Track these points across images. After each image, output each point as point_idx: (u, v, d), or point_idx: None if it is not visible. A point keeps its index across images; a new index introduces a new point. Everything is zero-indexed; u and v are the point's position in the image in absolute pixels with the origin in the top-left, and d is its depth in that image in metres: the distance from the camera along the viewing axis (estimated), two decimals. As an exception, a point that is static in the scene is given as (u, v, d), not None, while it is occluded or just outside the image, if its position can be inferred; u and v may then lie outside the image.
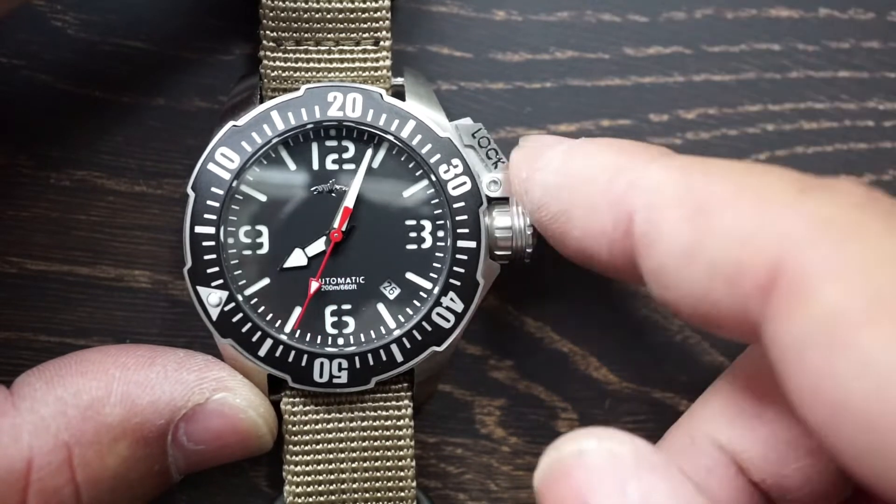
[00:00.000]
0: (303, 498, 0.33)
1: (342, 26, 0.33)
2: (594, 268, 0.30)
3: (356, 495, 0.33)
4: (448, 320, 0.32)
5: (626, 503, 0.24)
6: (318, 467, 0.33)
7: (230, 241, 0.32)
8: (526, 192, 0.31)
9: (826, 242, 0.23)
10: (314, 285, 0.32)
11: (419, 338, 0.32)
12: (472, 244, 0.32)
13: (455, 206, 0.32)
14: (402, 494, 0.33)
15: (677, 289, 0.26)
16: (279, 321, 0.32)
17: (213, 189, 0.32)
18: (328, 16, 0.33)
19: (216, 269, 0.32)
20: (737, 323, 0.26)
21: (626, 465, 0.25)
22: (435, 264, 0.33)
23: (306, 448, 0.33)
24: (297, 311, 0.32)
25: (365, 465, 0.33)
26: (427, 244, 0.33)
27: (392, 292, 0.33)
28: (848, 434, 0.22)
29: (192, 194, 0.32)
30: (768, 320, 0.24)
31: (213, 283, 0.32)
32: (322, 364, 0.32)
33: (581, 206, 0.29)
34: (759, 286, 0.24)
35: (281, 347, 0.32)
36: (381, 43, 0.33)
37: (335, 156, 0.33)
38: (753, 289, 0.24)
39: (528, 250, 0.33)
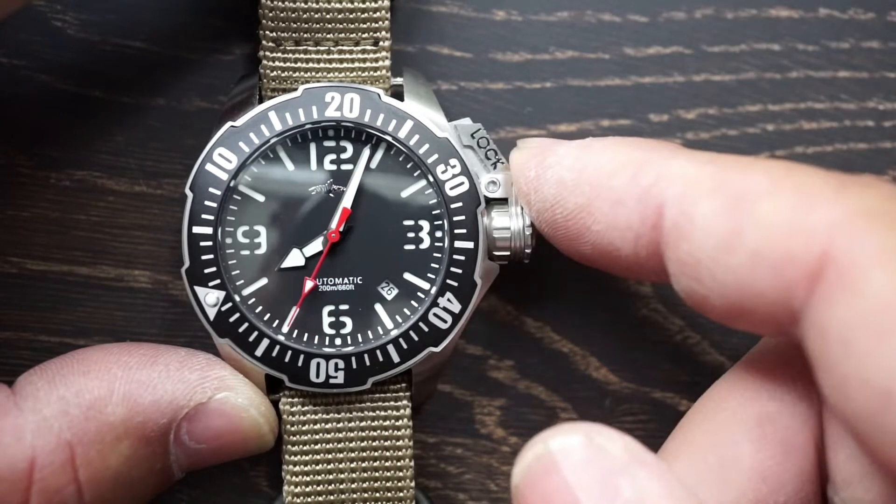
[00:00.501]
0: (302, 498, 0.33)
1: (341, 26, 0.33)
2: (608, 265, 0.30)
3: (355, 495, 0.33)
4: (445, 321, 0.32)
5: (618, 501, 0.23)
6: (317, 467, 0.33)
7: (228, 241, 0.32)
8: (536, 191, 0.31)
9: (874, 232, 0.23)
10: (309, 284, 0.32)
11: (416, 338, 0.32)
12: (470, 245, 0.32)
13: (452, 206, 0.32)
14: (401, 495, 0.33)
15: (712, 280, 0.26)
16: (276, 321, 0.32)
17: (211, 189, 0.32)
18: (327, 16, 0.33)
19: (214, 269, 0.32)
20: (773, 312, 0.25)
21: (618, 462, 0.24)
22: (433, 265, 0.33)
23: (305, 448, 0.33)
24: (295, 310, 0.32)
25: (363, 465, 0.33)
26: (425, 244, 0.33)
27: (390, 293, 0.33)
28: (893, 423, 0.22)
29: (190, 194, 0.32)
30: (813, 308, 0.24)
31: (211, 283, 0.32)
32: (318, 364, 0.32)
33: (604, 200, 0.29)
34: (806, 274, 0.24)
35: (278, 347, 0.32)
36: (381, 43, 0.33)
37: (333, 156, 0.33)
38: (800, 277, 0.24)
39: (527, 251, 0.33)
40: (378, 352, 0.32)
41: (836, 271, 0.24)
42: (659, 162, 0.28)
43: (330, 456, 0.33)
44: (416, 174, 0.33)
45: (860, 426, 0.23)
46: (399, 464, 0.33)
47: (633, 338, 0.37)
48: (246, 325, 0.32)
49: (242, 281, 0.32)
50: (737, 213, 0.26)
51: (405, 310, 0.33)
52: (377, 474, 0.33)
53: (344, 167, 0.33)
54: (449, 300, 0.32)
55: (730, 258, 0.26)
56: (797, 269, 0.24)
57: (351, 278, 0.33)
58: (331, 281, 0.33)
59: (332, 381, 0.32)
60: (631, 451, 0.24)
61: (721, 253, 0.26)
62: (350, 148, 0.33)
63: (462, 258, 0.32)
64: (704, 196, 0.27)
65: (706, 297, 0.27)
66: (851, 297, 0.23)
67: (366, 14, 0.33)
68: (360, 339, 0.33)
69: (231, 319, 0.32)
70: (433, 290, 0.32)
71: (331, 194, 0.33)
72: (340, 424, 0.33)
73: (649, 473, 0.24)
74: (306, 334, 0.33)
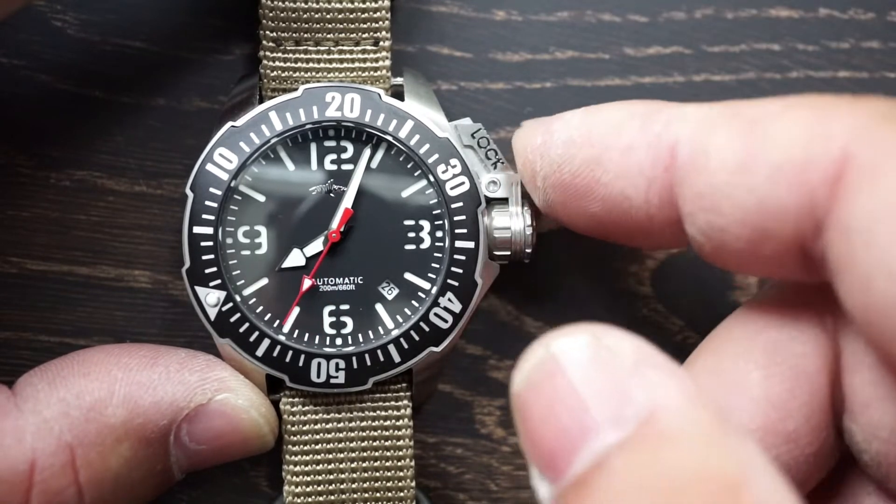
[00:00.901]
0: (302, 498, 0.33)
1: (342, 26, 0.33)
2: (618, 224, 0.29)
3: (355, 495, 0.33)
4: (446, 321, 0.32)
5: (631, 405, 0.21)
6: (318, 467, 0.33)
7: (228, 241, 0.32)
8: (542, 156, 0.30)
9: (892, 130, 0.23)
10: (307, 283, 0.32)
11: (417, 338, 0.32)
12: (471, 244, 0.32)
13: (453, 206, 0.32)
14: (402, 494, 0.33)
15: (732, 206, 0.26)
16: (277, 321, 0.32)
17: (212, 189, 0.32)
18: (328, 16, 0.33)
19: (214, 269, 0.32)
20: (797, 229, 0.25)
21: (629, 363, 0.22)
22: (433, 264, 0.33)
23: (305, 448, 0.33)
24: (296, 310, 0.32)
25: (364, 465, 0.33)
26: (426, 244, 0.33)
27: (391, 292, 0.33)
28: None
29: (190, 195, 0.32)
30: (835, 208, 0.24)
31: (212, 284, 0.32)
32: (319, 364, 0.32)
33: (614, 150, 0.28)
34: (827, 178, 0.24)
35: (278, 347, 0.32)
36: (381, 43, 0.33)
37: (334, 156, 0.33)
38: (821, 182, 0.24)
39: (528, 251, 0.33)
40: (379, 351, 0.32)
41: (857, 169, 0.23)
42: (668, 109, 0.28)
43: (330, 456, 0.33)
44: (416, 174, 0.33)
45: (881, 322, 0.23)
46: (399, 464, 0.33)
47: (633, 338, 0.37)
48: (247, 325, 0.32)
49: (243, 281, 0.32)
50: (752, 136, 0.25)
51: (406, 309, 0.33)
52: (378, 474, 0.33)
53: (344, 167, 0.33)
54: (450, 300, 0.32)
55: (749, 179, 0.25)
56: (818, 175, 0.24)
57: (351, 278, 0.33)
58: (331, 281, 0.33)
59: (332, 380, 0.32)
60: (642, 351, 0.22)
61: (739, 176, 0.25)
62: (350, 148, 0.33)
63: (463, 258, 0.32)
64: (719, 125, 0.26)
65: (725, 231, 0.26)
66: (872, 190, 0.23)
67: (366, 14, 0.33)
68: (361, 339, 0.33)
69: (232, 319, 0.32)
70: (434, 290, 0.32)
71: (331, 194, 0.33)
72: (341, 424, 0.33)
73: (662, 375, 0.22)
74: (307, 334, 0.33)
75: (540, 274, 0.37)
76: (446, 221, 0.32)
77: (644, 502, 0.21)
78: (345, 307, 0.33)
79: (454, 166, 0.32)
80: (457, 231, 0.32)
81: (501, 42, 0.36)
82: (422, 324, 0.32)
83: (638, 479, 0.21)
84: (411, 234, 0.33)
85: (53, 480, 0.29)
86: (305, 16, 0.33)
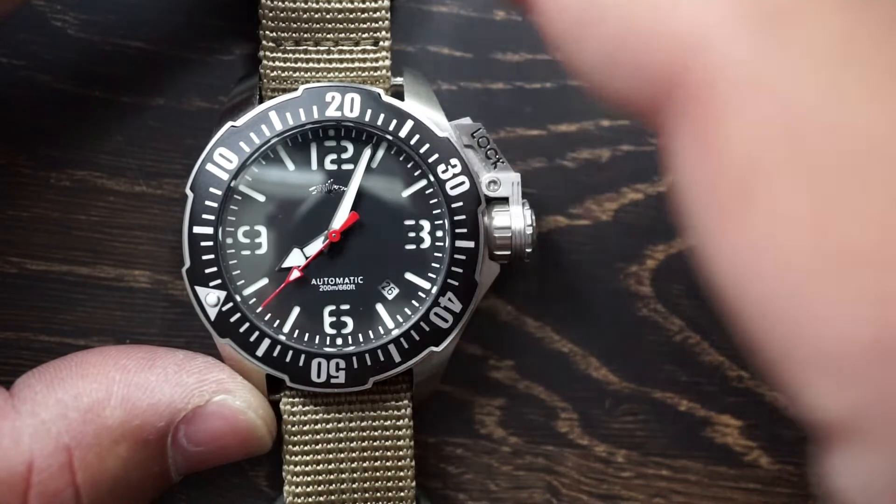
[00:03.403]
0: (302, 498, 0.33)
1: (341, 26, 0.33)
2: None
3: (356, 495, 0.33)
4: (446, 321, 0.32)
5: None
6: (318, 467, 0.33)
7: (229, 241, 0.32)
8: None
9: (747, 45, 0.19)
10: (295, 273, 0.32)
11: (417, 338, 0.32)
12: (471, 244, 0.32)
13: (453, 205, 0.32)
14: (402, 495, 0.33)
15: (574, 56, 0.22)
16: (277, 321, 0.32)
17: (212, 189, 0.32)
18: (327, 16, 0.33)
19: (214, 269, 0.32)
20: (643, 111, 0.21)
21: None
22: (433, 264, 0.33)
23: (306, 448, 0.33)
24: (296, 310, 0.32)
25: (364, 465, 0.33)
26: (426, 244, 0.33)
27: (391, 292, 0.33)
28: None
29: (190, 194, 0.32)
30: (671, 135, 0.20)
31: (212, 284, 0.32)
32: (319, 364, 0.32)
33: None
34: (664, 90, 0.20)
35: (279, 347, 0.32)
36: (381, 43, 0.33)
37: (334, 156, 0.33)
38: (656, 91, 0.20)
39: (528, 250, 0.33)
40: (379, 351, 0.32)
41: (691, 94, 0.19)
42: None
43: (331, 456, 0.33)
44: (416, 174, 0.33)
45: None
46: (400, 464, 0.33)
47: (633, 338, 0.37)
48: (247, 325, 0.32)
49: (243, 281, 0.32)
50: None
51: (406, 309, 0.33)
52: (378, 474, 0.33)
53: (345, 167, 0.33)
54: (450, 300, 0.32)
55: (585, 40, 0.22)
56: (653, 78, 0.20)
57: (352, 278, 0.33)
58: (331, 281, 0.33)
59: (333, 380, 0.32)
60: None
61: (577, 30, 0.22)
62: (351, 148, 0.33)
63: (463, 258, 0.32)
64: None
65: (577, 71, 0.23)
66: (706, 151, 0.19)
67: (366, 14, 0.33)
68: (362, 339, 0.33)
69: (232, 319, 0.32)
70: (434, 290, 0.32)
71: (331, 194, 0.33)
72: (341, 424, 0.33)
73: None
74: (307, 334, 0.33)
75: (540, 274, 0.37)
76: (446, 221, 0.32)
77: None
78: (345, 307, 0.33)
79: (454, 166, 0.32)
80: (457, 231, 0.32)
81: (501, 42, 0.36)
82: (422, 324, 0.32)
83: None
84: (411, 234, 0.33)
85: (51, 482, 0.29)
86: (305, 16, 0.33)
